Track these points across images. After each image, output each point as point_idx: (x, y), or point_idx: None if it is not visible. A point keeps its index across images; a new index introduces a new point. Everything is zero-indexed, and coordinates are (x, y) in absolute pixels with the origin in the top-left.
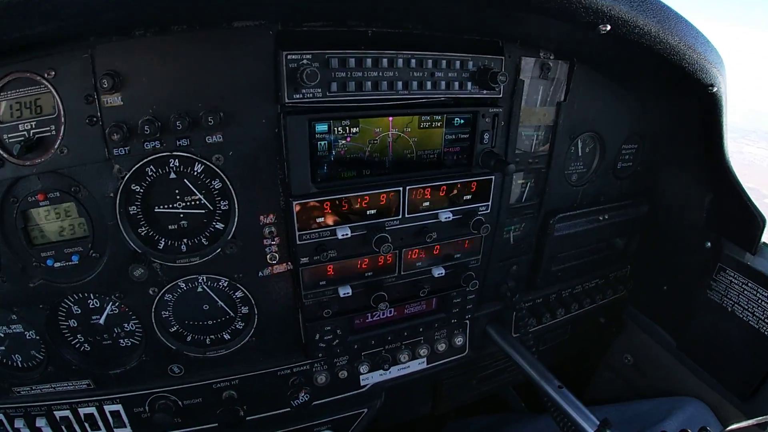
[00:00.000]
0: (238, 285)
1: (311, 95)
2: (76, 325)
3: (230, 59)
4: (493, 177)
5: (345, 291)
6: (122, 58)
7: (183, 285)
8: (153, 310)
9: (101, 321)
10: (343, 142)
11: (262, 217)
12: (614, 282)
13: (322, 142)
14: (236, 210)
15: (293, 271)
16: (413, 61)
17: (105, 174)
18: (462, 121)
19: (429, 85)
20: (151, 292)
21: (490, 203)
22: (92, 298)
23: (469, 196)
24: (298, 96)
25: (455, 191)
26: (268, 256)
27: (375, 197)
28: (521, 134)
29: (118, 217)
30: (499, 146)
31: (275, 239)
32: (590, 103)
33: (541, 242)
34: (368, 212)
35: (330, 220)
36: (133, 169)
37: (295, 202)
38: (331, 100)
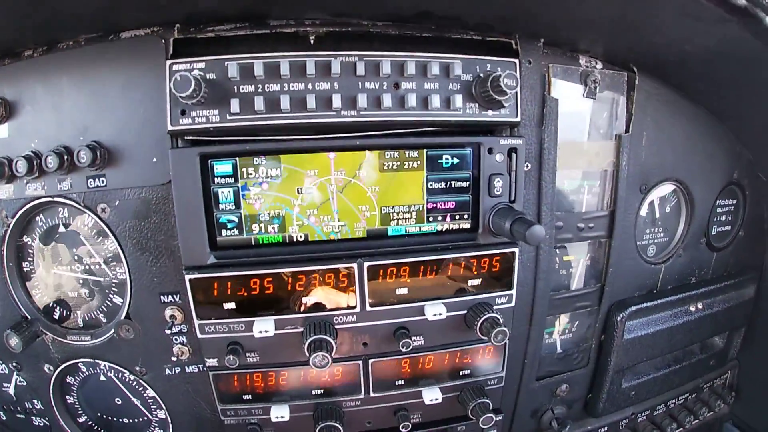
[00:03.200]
0: (142, 381)
1: (203, 119)
2: None
3: (117, 79)
4: (516, 249)
5: (280, 413)
6: (11, 82)
7: (84, 368)
8: (51, 389)
9: (11, 390)
10: (257, 190)
11: (163, 297)
12: (709, 395)
13: (226, 191)
14: (129, 282)
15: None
16: (362, 64)
17: None
18: (456, 161)
19: (390, 101)
20: (46, 369)
21: (514, 291)
22: (0, 362)
23: (476, 281)
24: (185, 121)
25: (452, 272)
26: (174, 349)
27: (312, 276)
28: (563, 184)
29: (6, 271)
30: (524, 200)
31: (182, 327)
32: (667, 138)
33: (604, 349)
34: (305, 300)
35: (244, 308)
36: (18, 215)
37: (187, 276)
38: (233, 126)
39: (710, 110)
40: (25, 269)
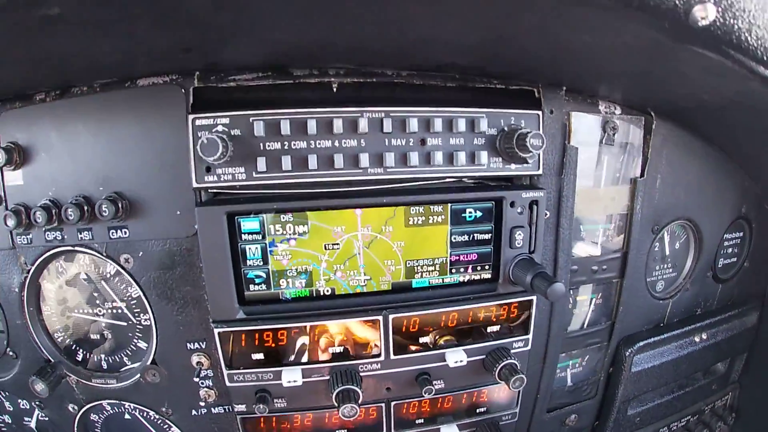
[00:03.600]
0: (167, 420)
1: (229, 177)
2: (10, 421)
3: (135, 128)
4: (534, 297)
5: None
6: (24, 127)
7: (108, 408)
8: (75, 427)
9: (32, 425)
10: (285, 246)
11: (189, 344)
12: (710, 416)
13: (253, 247)
14: (154, 329)
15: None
16: (389, 121)
17: (11, 265)
18: (479, 215)
19: (417, 159)
20: (71, 409)
21: (530, 336)
22: (21, 399)
23: (495, 327)
24: (211, 178)
25: (472, 320)
26: (201, 393)
27: (340, 329)
28: (579, 230)
29: (27, 316)
30: (542, 250)
31: (208, 372)
32: (679, 178)
33: (612, 381)
34: (331, 349)
35: (272, 358)
36: (37, 262)
37: (216, 330)
38: (260, 185)
39: (721, 148)
40: (45, 312)
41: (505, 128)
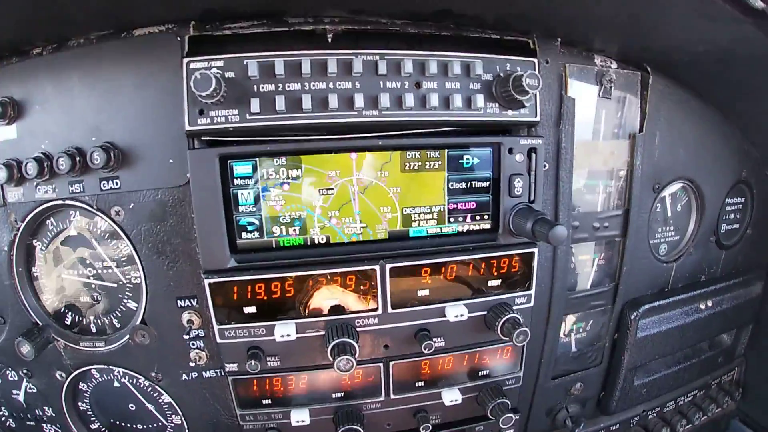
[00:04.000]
0: (157, 387)
1: (223, 119)
2: None
3: (130, 78)
4: (535, 249)
5: (300, 417)
6: (19, 81)
7: (97, 375)
8: (63, 397)
9: (20, 398)
10: (278, 191)
11: (180, 301)
12: (717, 391)
13: (245, 191)
14: (144, 286)
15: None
16: (384, 63)
17: (1, 223)
18: (476, 161)
19: (412, 101)
20: (58, 377)
21: (533, 292)
22: (9, 370)
23: (496, 281)
24: (204, 121)
25: (472, 273)
26: (191, 355)
27: (335, 279)
28: (579, 183)
29: (16, 276)
30: (542, 200)
31: (200, 332)
32: (678, 136)
33: (618, 347)
34: (326, 302)
35: (265, 312)
36: (28, 218)
37: (207, 280)
38: (253, 126)
39: (720, 110)
40: (34, 274)
41: (501, 74)
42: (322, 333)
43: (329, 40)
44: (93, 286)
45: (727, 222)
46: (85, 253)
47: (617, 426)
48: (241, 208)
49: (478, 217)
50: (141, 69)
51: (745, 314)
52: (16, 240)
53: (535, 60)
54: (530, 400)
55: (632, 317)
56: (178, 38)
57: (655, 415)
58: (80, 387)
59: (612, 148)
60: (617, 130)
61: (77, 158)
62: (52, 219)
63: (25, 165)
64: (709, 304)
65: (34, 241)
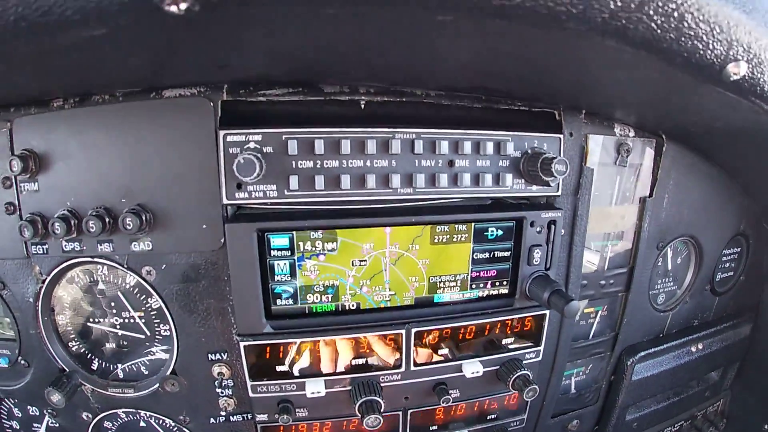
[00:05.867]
0: (184, 429)
1: (261, 194)
2: (18, 427)
3: (160, 139)
4: (547, 312)
5: None
6: (40, 134)
7: (123, 416)
8: None
9: (41, 431)
10: (314, 263)
11: (211, 355)
12: (702, 422)
13: (282, 263)
14: (175, 340)
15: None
16: (420, 143)
17: (25, 274)
18: (500, 233)
19: (446, 180)
20: (84, 417)
21: (542, 348)
22: (31, 405)
23: (509, 339)
24: (242, 195)
25: (489, 333)
26: (220, 402)
27: (363, 343)
28: (589, 245)
29: (42, 326)
30: (556, 266)
31: (228, 382)
32: (685, 198)
33: (613, 388)
34: (353, 361)
35: (296, 371)
36: (53, 273)
37: (243, 343)
38: (292, 202)
39: (725, 170)
40: (59, 321)
41: (529, 151)
42: (349, 388)
43: (362, 106)
44: (119, 334)
45: (723, 271)
46: (112, 303)
47: None
48: (277, 278)
49: (497, 284)
50: (172, 132)
51: (734, 354)
52: (42, 292)
53: (561, 136)
54: None
55: (629, 363)
56: (211, 103)
57: None
58: (105, 425)
59: (622, 212)
60: (628, 194)
61: (107, 219)
62: (78, 272)
63: (52, 224)
64: (700, 347)
65: (60, 291)
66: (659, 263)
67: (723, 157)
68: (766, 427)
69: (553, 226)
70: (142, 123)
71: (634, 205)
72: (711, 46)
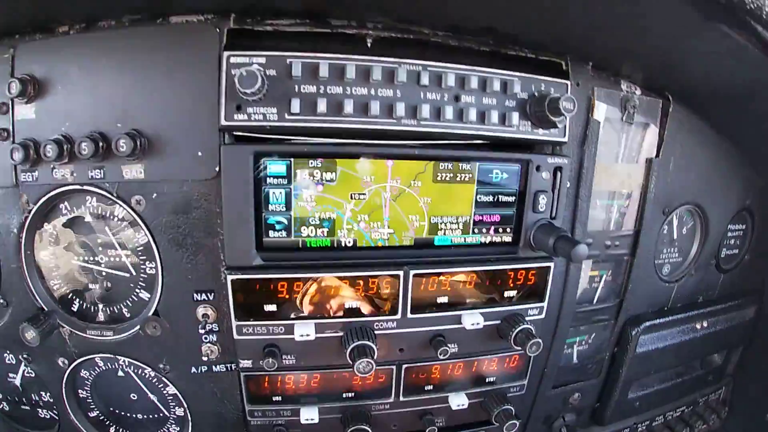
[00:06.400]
0: (163, 378)
1: (260, 117)
2: None
3: (163, 65)
4: (551, 264)
5: (309, 416)
6: (41, 59)
7: (101, 363)
8: (63, 383)
9: (17, 381)
10: (311, 193)
11: (196, 294)
12: (704, 409)
13: (277, 191)
14: (160, 277)
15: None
16: (426, 74)
17: (11, 203)
18: (505, 176)
19: (451, 113)
20: (60, 363)
21: (545, 304)
22: (7, 353)
23: (512, 292)
24: (241, 117)
25: (490, 283)
26: (203, 348)
27: (358, 282)
28: (595, 203)
29: (24, 260)
30: (561, 218)
31: (213, 326)
32: (691, 163)
33: (616, 361)
34: (347, 304)
35: (286, 311)
36: (41, 201)
37: (230, 276)
38: (292, 126)
39: (731, 139)
40: (43, 257)
41: (536, 93)
42: (340, 334)
43: (369, 44)
44: (103, 273)
45: (728, 247)
46: (104, 241)
47: None
48: (271, 207)
49: (500, 230)
50: (175, 58)
51: (738, 336)
52: (27, 223)
53: (568, 82)
54: (530, 408)
55: (633, 333)
56: (217, 30)
57: (644, 428)
58: (82, 374)
59: (629, 170)
60: (635, 154)
61: (100, 143)
62: (66, 203)
63: (44, 146)
64: (705, 324)
65: (45, 224)
66: (665, 231)
67: (729, 126)
68: None
69: (559, 173)
70: (147, 49)
71: (641, 166)
72: None
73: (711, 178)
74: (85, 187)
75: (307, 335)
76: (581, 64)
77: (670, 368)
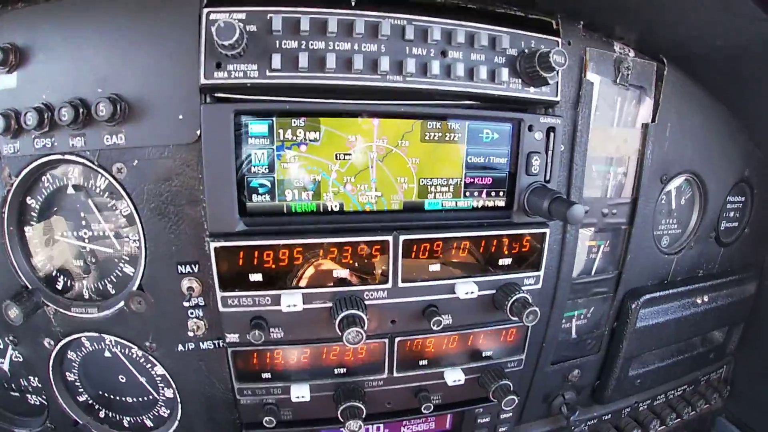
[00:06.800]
0: (150, 357)
1: (241, 74)
2: None
3: (143, 27)
4: (547, 230)
5: (300, 393)
6: (23, 27)
7: (87, 343)
8: (50, 365)
9: (5, 366)
10: (294, 153)
11: (180, 267)
12: (706, 388)
13: (259, 152)
14: (143, 249)
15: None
16: (411, 29)
17: None
18: (496, 136)
19: (438, 69)
20: (46, 344)
21: (542, 273)
22: None
23: (507, 260)
24: (221, 75)
25: (484, 250)
26: (189, 323)
27: (346, 249)
28: (591, 168)
29: (6, 236)
30: (556, 181)
31: (199, 300)
32: (688, 130)
33: (616, 336)
34: (335, 273)
35: (271, 281)
36: (23, 173)
37: (212, 244)
38: (273, 83)
39: (729, 107)
40: (27, 234)
41: (526, 50)
42: (329, 305)
43: (353, 2)
44: (87, 249)
45: (727, 220)
46: (80, 215)
47: (609, 416)
48: (253, 169)
49: (493, 194)
50: (155, 18)
51: (739, 312)
52: (9, 196)
53: (559, 40)
54: (528, 385)
55: (633, 306)
56: None
57: (645, 407)
58: (69, 356)
59: (625, 135)
60: (630, 118)
61: (81, 110)
62: (48, 176)
63: (24, 115)
64: (706, 299)
65: (28, 198)
66: (663, 201)
67: (727, 91)
68: None
69: (552, 133)
70: (127, 11)
71: (637, 130)
72: None
73: (709, 146)
74: (66, 157)
75: (294, 305)
76: (572, 23)
77: (671, 344)
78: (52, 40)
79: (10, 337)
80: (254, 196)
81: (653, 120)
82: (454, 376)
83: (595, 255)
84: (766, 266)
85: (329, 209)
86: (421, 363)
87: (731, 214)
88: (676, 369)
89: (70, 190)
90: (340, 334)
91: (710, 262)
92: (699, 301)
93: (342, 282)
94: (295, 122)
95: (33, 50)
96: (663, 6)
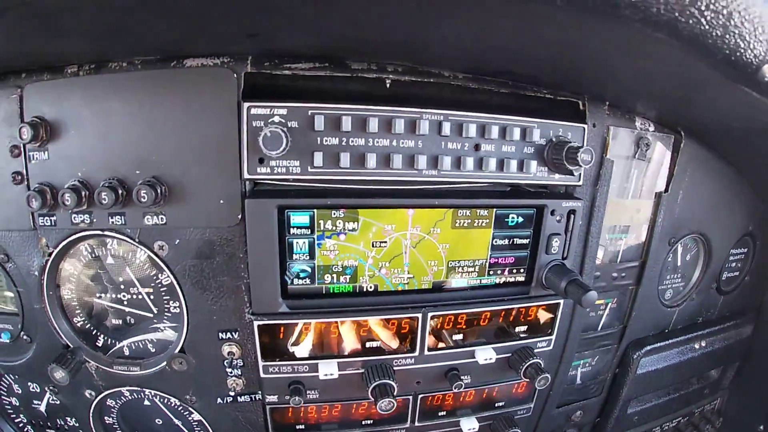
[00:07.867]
0: (190, 408)
1: (283, 170)
2: (18, 404)
3: (179, 110)
4: (562, 301)
5: None
6: (52, 101)
7: (128, 394)
8: (90, 413)
9: (42, 408)
10: (333, 242)
11: (221, 333)
12: (699, 419)
13: (301, 241)
14: (185, 318)
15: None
16: (448, 124)
17: (30, 247)
18: (520, 220)
19: (471, 163)
20: (87, 395)
21: (554, 337)
22: (32, 381)
23: (523, 327)
24: (264, 170)
25: (503, 320)
26: (229, 382)
27: (378, 325)
28: (604, 236)
29: (47, 301)
30: (572, 256)
31: (238, 362)
32: (698, 194)
33: (618, 381)
34: (367, 344)
35: (309, 351)
36: (61, 245)
37: (256, 322)
38: (315, 180)
39: (738, 169)
40: (64, 296)
41: (554, 139)
42: (361, 371)
43: (387, 85)
44: (126, 311)
45: (729, 270)
46: (120, 279)
47: None
48: (295, 256)
49: (514, 271)
50: (191, 103)
51: (735, 353)
52: (47, 266)
53: (585, 126)
54: (534, 426)
55: (635, 356)
56: (234, 74)
57: None
58: (108, 403)
59: (638, 205)
60: (643, 188)
61: (120, 191)
62: (86, 245)
63: (62, 195)
64: (703, 344)
65: (67, 264)
66: (669, 259)
67: (738, 158)
68: (761, 427)
69: (572, 216)
70: (161, 93)
71: (650, 200)
72: (752, 46)
73: (716, 207)
74: (106, 233)
75: (331, 374)
76: (597, 103)
77: (669, 386)
78: (83, 116)
79: (51, 387)
80: (296, 280)
81: (666, 190)
82: (470, 425)
83: (603, 312)
84: (764, 308)
85: (364, 290)
86: (440, 414)
87: (733, 264)
88: (672, 405)
89: (110, 260)
90: (371, 398)
91: (710, 310)
92: (697, 346)
93: (373, 351)
94: (334, 214)
95: (64, 125)
96: (685, 96)
